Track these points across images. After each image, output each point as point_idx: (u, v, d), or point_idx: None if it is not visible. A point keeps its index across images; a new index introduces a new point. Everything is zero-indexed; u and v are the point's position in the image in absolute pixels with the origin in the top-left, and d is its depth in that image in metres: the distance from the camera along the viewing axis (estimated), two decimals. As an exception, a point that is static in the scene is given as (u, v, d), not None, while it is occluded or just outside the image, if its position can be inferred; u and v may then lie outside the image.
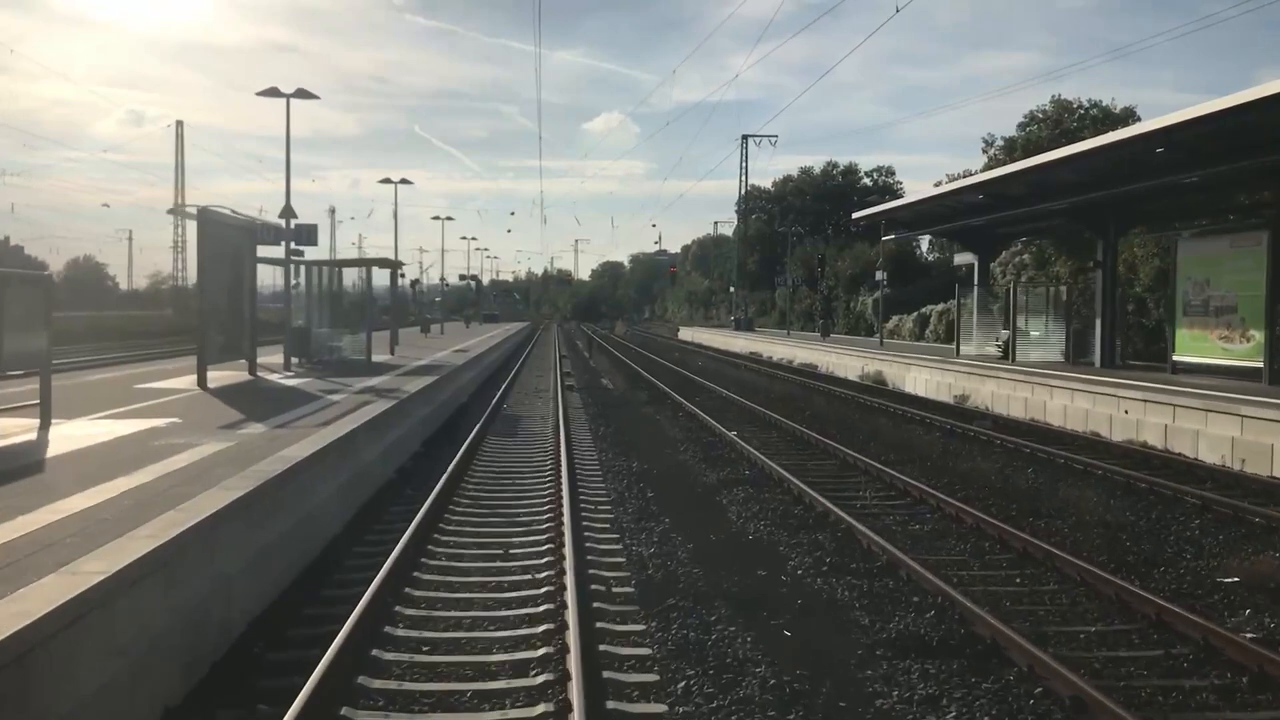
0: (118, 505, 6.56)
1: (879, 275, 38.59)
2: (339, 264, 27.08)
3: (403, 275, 53.80)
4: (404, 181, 42.67)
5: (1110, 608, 7.37)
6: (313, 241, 21.93)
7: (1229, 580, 8.07)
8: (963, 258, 32.92)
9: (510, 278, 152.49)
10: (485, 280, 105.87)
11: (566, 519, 9.42)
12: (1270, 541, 9.46)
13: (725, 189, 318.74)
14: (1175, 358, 20.16)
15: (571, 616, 6.49)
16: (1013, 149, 42.65)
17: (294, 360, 20.37)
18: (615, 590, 7.58)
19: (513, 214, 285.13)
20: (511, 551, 8.76)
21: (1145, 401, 16.14)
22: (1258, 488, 12.01)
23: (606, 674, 5.85)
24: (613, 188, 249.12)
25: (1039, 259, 37.18)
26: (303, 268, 22.22)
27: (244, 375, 17.48)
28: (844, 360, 33.62)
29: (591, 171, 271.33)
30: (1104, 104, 43.77)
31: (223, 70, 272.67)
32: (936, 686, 5.80)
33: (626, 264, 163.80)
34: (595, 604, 7.14)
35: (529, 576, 7.91)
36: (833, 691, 5.71)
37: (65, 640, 4.38)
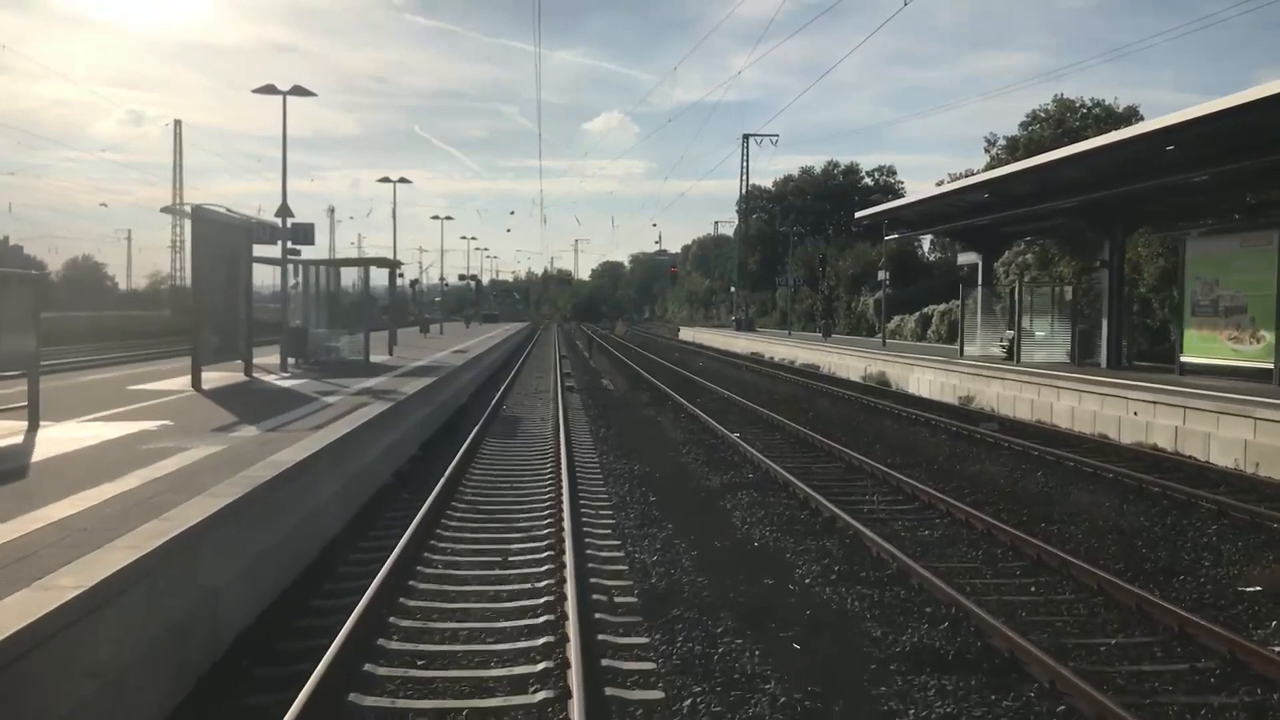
0: (99, 513, 6.30)
1: (881, 275, 38.28)
2: (336, 264, 26.81)
3: (401, 275, 53.68)
4: (403, 180, 42.38)
5: (1130, 618, 7.11)
6: (309, 241, 21.66)
7: (1251, 589, 7.81)
8: (966, 257, 32.68)
9: (510, 278, 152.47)
10: (485, 280, 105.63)
11: (567, 524, 9.17)
12: (1290, 548, 9.20)
13: (725, 189, 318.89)
14: (1183, 359, 19.91)
15: (572, 628, 6.24)
16: (1015, 148, 42.44)
17: (291, 361, 20.11)
18: (617, 600, 7.32)
19: (512, 213, 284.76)
20: (510, 559, 8.50)
21: (1155, 403, 15.88)
22: (1273, 492, 11.75)
23: (609, 691, 5.60)
24: (613, 187, 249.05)
25: (1042, 259, 36.92)
26: (300, 267, 21.97)
27: (239, 376, 17.22)
28: (846, 361, 33.36)
29: (591, 171, 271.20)
30: (1107, 103, 43.61)
31: (223, 70, 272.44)
32: (954, 705, 5.54)
33: (626, 264, 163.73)
34: (597, 615, 6.89)
35: (528, 585, 7.66)
36: (846, 710, 5.46)
37: (33, 662, 4.12)
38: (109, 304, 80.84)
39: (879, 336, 40.44)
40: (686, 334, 76.79)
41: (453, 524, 9.79)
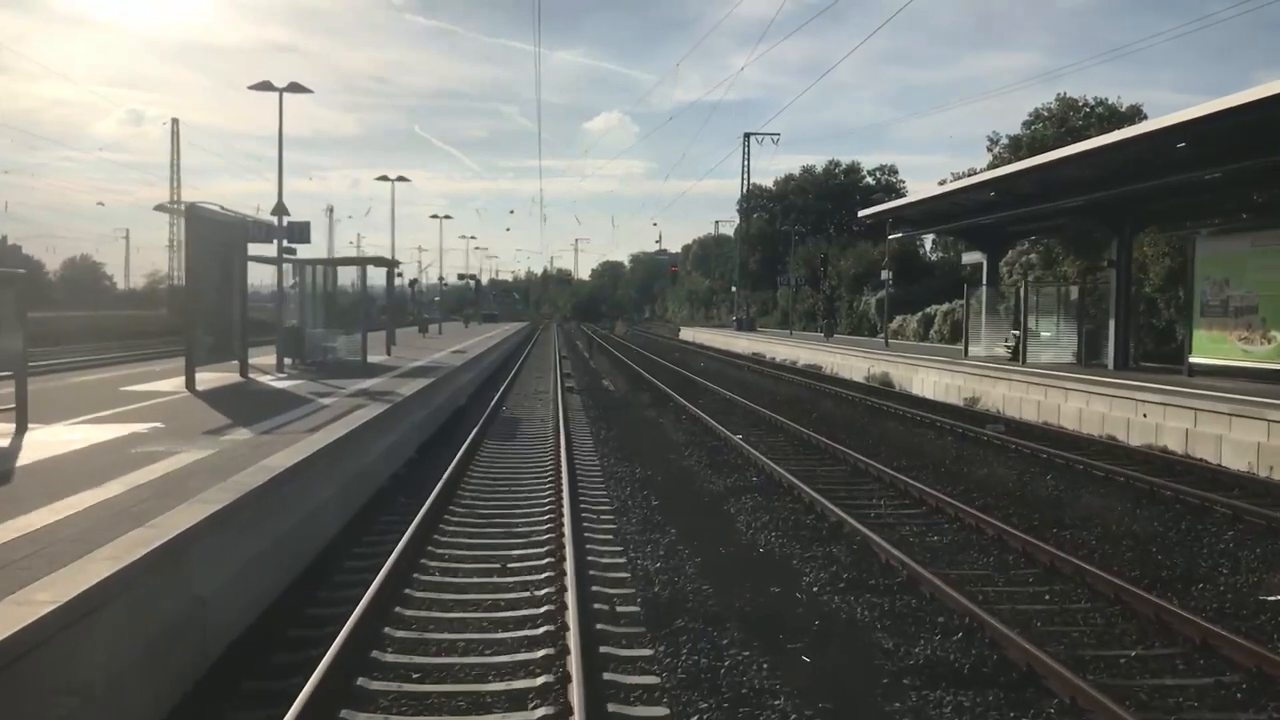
0: (82, 521, 6.07)
1: (884, 274, 38.02)
2: (334, 263, 26.57)
3: (400, 275, 53.40)
4: (401, 179, 42.24)
5: (1149, 629, 6.88)
6: (305, 239, 21.42)
7: (1273, 599, 7.57)
8: (970, 257, 32.44)
9: (510, 277, 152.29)
10: (484, 280, 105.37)
11: (567, 530, 8.93)
12: (1310, 555, 8.97)
13: (726, 188, 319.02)
14: (1191, 359, 19.66)
15: (573, 640, 6.01)
16: (1018, 147, 42.17)
17: (287, 361, 19.85)
18: (620, 610, 7.08)
19: (512, 213, 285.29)
20: (509, 566, 8.27)
21: (1165, 405, 15.64)
22: (1288, 496, 11.52)
23: (611, 707, 5.37)
24: (613, 187, 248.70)
25: (1046, 258, 36.68)
26: (296, 266, 21.72)
27: (235, 377, 16.99)
28: (849, 361, 33.12)
29: (591, 171, 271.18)
30: (1110, 102, 43.36)
31: (223, 70, 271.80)
32: (972, 722, 5.31)
33: (627, 264, 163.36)
34: (598, 625, 6.65)
35: (528, 594, 7.42)
36: (859, 728, 5.23)
37: (6, 681, 3.88)
38: (107, 303, 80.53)
39: (881, 336, 40.18)
40: (687, 334, 76.54)
41: (450, 529, 9.55)
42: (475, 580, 7.86)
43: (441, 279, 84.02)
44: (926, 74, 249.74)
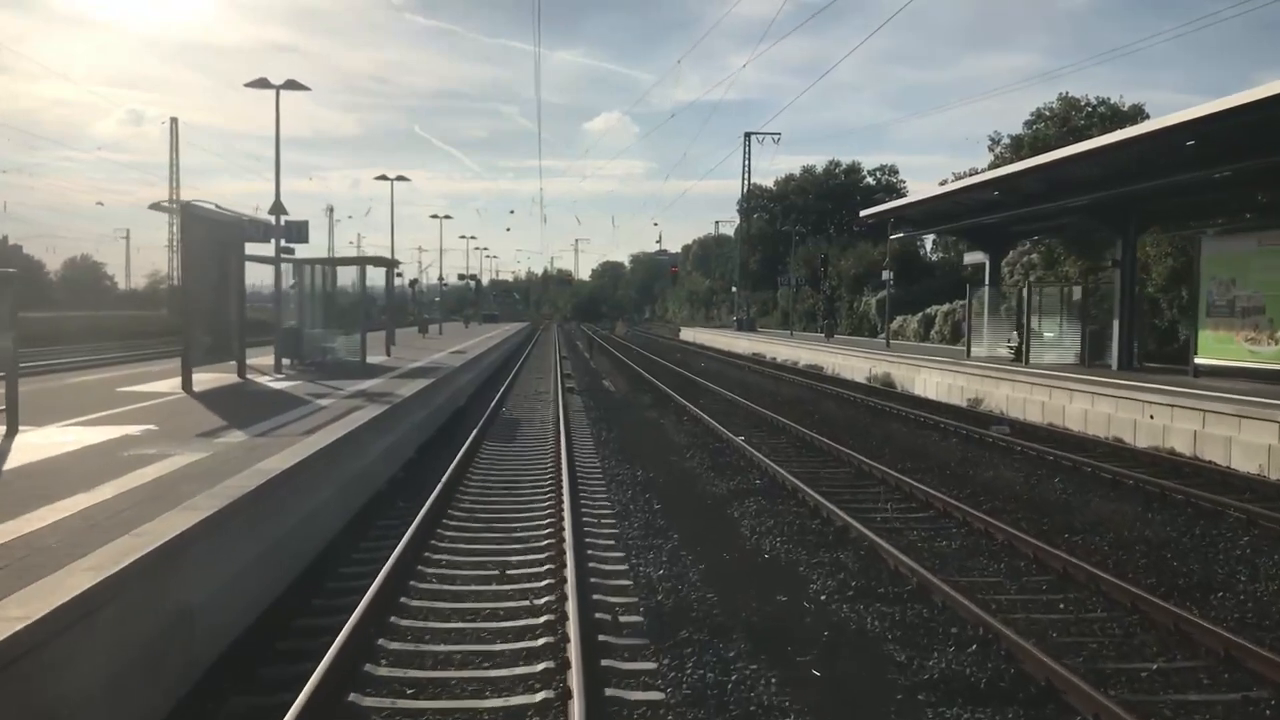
0: (67, 528, 5.85)
1: (885, 274, 37.80)
2: (333, 263, 26.34)
3: (400, 275, 53.21)
4: (400, 178, 41.94)
5: (1170, 640, 6.67)
6: (303, 239, 21.17)
7: (1295, 608, 7.36)
8: (972, 257, 32.25)
9: (510, 277, 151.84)
10: (485, 280, 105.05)
11: (568, 535, 8.72)
12: (1328, 561, 8.76)
13: (726, 188, 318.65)
14: (1197, 360, 19.45)
15: (574, 653, 5.80)
16: (1020, 147, 41.98)
17: (285, 362, 19.63)
18: (622, 619, 6.87)
19: (512, 213, 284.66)
20: (509, 572, 8.06)
21: (1172, 406, 15.43)
22: (1302, 500, 11.31)
23: (615, 725, 5.16)
24: (613, 187, 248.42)
25: (1048, 258, 36.50)
26: (295, 266, 21.49)
27: (232, 378, 16.78)
28: (850, 361, 32.91)
29: (591, 171, 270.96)
30: (1112, 101, 43.16)
31: (222, 70, 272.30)
32: (991, 741, 5.10)
33: (627, 264, 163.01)
34: (600, 636, 6.44)
35: (527, 603, 7.21)
36: (873, 747, 5.02)
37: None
38: (107, 303, 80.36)
39: (881, 337, 39.98)
40: (687, 334, 76.30)
41: (449, 534, 9.34)
42: (473, 588, 7.65)
43: (441, 279, 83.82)
44: (926, 74, 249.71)
